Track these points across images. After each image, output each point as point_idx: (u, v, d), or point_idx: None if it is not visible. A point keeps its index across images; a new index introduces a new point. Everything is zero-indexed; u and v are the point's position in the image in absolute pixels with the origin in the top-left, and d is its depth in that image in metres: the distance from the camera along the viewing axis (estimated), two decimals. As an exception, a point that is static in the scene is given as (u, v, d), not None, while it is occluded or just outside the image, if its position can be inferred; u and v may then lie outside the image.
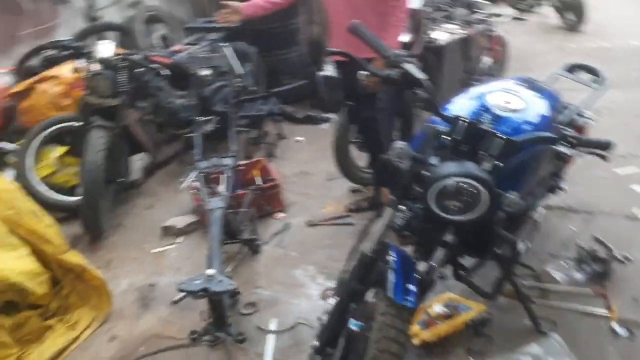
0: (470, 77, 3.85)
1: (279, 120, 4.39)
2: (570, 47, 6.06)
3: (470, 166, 1.47)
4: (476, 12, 3.90)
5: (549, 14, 6.90)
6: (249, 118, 3.96)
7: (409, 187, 1.57)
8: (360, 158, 3.36)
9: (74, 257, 2.59)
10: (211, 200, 2.53)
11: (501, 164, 1.52)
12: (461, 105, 1.80)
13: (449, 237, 1.62)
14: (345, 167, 3.31)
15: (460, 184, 1.44)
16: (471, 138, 1.53)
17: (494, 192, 1.47)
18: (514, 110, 1.75)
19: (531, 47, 5.98)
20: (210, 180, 2.92)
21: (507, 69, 4.68)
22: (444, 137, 1.55)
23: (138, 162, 3.86)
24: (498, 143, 1.52)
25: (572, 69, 2.62)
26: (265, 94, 4.27)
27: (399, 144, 1.52)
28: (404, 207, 1.61)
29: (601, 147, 1.46)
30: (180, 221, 3.27)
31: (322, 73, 4.56)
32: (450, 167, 1.48)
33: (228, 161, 2.77)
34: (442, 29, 3.62)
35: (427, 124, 1.61)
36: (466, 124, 1.53)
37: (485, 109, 1.71)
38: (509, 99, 1.80)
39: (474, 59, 3.91)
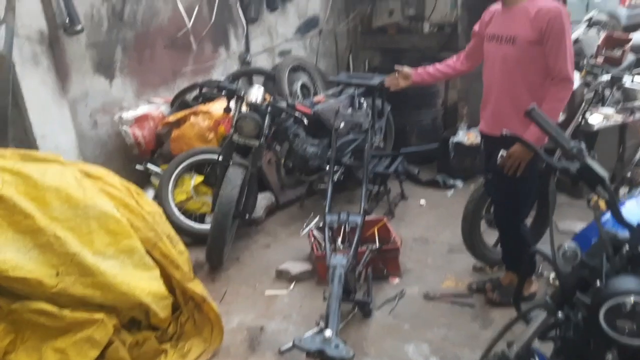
0: (623, 168, 3.52)
1: (403, 180, 4.34)
2: None
3: (655, 286, 1.28)
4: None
5: None
6: (374, 174, 3.95)
7: (572, 292, 1.41)
8: (489, 235, 3.17)
9: (197, 287, 2.69)
10: (334, 257, 2.50)
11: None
12: (636, 211, 1.61)
13: (609, 357, 1.41)
14: (472, 241, 3.13)
15: (641, 304, 1.25)
16: (656, 252, 1.35)
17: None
18: None
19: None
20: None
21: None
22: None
23: (262, 200, 4.00)
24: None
25: None
26: (394, 153, 4.26)
27: (570, 245, 1.38)
28: (560, 314, 1.44)
29: None
30: (295, 267, 3.29)
31: (454, 139, 4.49)
32: (630, 282, 1.30)
33: (356, 219, 2.75)
34: (598, 112, 3.37)
35: (604, 228, 1.44)
36: (652, 235, 1.35)
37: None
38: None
39: (630, 149, 3.58)
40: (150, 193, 3.90)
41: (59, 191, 2.39)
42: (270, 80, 4.66)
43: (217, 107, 3.87)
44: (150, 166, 3.90)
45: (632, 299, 1.28)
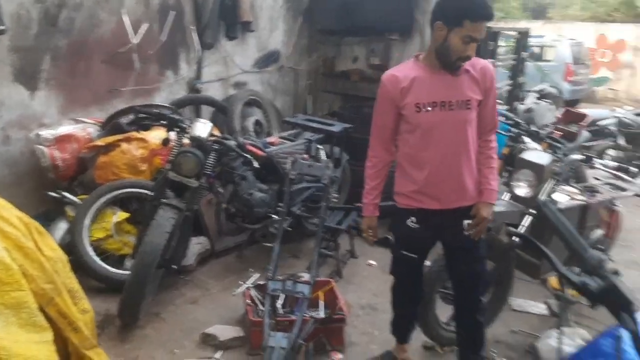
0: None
1: (354, 236, 4.00)
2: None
3: None
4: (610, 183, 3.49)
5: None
6: (325, 229, 3.59)
7: None
8: (443, 311, 2.86)
9: (99, 356, 2.18)
10: (274, 336, 2.08)
11: None
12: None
13: None
14: (426, 318, 2.80)
15: None
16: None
17: None
18: None
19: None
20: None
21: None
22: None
23: (196, 246, 3.54)
24: None
25: None
26: (350, 207, 3.93)
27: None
28: None
29: None
30: (224, 332, 2.83)
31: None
32: None
33: (304, 289, 2.34)
34: (562, 190, 3.21)
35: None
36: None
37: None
38: None
39: (587, 230, 3.43)
40: (63, 226, 3.34)
41: None
42: (221, 112, 4.27)
43: (156, 135, 3.41)
44: (67, 194, 3.35)
45: None
